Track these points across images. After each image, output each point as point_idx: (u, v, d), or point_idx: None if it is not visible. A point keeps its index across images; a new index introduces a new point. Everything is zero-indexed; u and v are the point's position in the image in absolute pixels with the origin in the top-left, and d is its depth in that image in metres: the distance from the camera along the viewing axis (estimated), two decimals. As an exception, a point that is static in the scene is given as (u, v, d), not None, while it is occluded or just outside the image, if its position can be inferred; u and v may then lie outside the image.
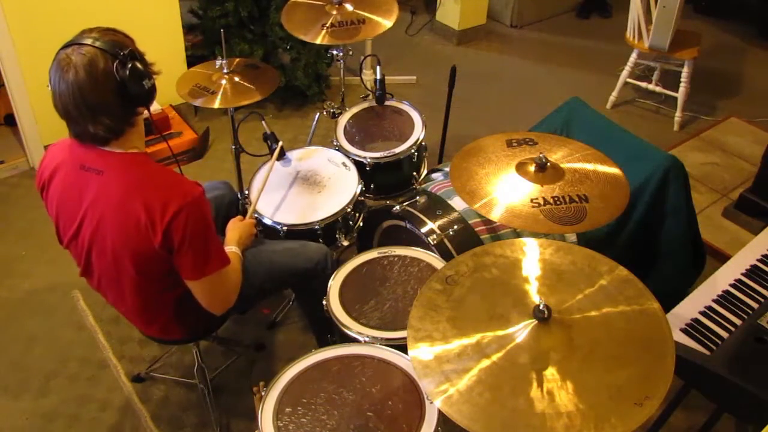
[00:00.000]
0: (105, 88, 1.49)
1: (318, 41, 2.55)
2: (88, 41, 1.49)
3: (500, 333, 1.26)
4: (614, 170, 1.82)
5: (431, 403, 1.52)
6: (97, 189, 1.58)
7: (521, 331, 1.25)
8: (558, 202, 1.71)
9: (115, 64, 1.49)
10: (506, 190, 1.76)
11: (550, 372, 1.19)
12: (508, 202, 1.73)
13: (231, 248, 1.88)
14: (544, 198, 1.72)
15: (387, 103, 2.70)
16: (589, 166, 1.83)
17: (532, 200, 1.72)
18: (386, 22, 2.60)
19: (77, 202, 1.62)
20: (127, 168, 1.58)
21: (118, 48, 1.50)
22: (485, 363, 1.22)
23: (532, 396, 1.16)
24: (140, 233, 1.55)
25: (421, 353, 1.27)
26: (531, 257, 1.43)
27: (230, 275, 1.74)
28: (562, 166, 1.82)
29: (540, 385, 1.17)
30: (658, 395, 1.14)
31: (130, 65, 1.50)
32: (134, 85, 1.52)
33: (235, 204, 2.30)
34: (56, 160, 1.65)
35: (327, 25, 2.59)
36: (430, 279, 1.42)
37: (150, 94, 1.58)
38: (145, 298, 1.74)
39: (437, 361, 1.25)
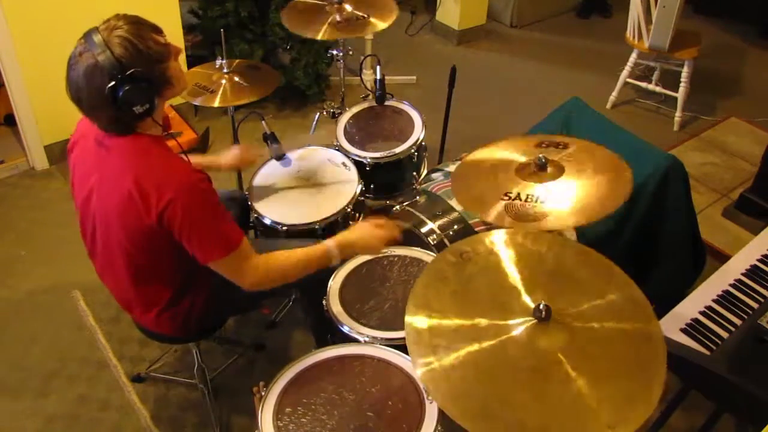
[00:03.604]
0: (98, 101, 1.48)
1: (318, 37, 2.55)
2: (99, 43, 1.45)
3: (498, 322, 1.26)
4: (615, 159, 1.80)
5: (431, 402, 1.52)
6: (104, 166, 1.61)
7: (519, 325, 1.24)
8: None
9: (108, 87, 1.45)
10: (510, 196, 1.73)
11: (536, 373, 1.18)
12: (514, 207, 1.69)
13: (325, 242, 1.77)
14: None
15: (387, 103, 2.70)
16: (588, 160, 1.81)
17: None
18: (385, 23, 2.60)
19: (88, 176, 1.66)
20: (129, 149, 1.58)
21: (120, 68, 1.45)
22: (475, 347, 1.22)
23: (510, 391, 1.16)
24: (132, 210, 1.56)
25: (417, 321, 1.27)
26: (551, 254, 1.39)
27: (240, 260, 1.64)
28: (561, 162, 1.80)
29: (522, 384, 1.17)
30: (634, 421, 1.10)
31: (125, 89, 1.46)
32: (125, 107, 1.48)
33: (247, 212, 2.30)
34: (84, 129, 1.69)
35: (328, 21, 2.59)
36: (446, 250, 1.41)
37: (144, 116, 1.53)
38: (138, 281, 1.74)
39: (430, 333, 1.25)
